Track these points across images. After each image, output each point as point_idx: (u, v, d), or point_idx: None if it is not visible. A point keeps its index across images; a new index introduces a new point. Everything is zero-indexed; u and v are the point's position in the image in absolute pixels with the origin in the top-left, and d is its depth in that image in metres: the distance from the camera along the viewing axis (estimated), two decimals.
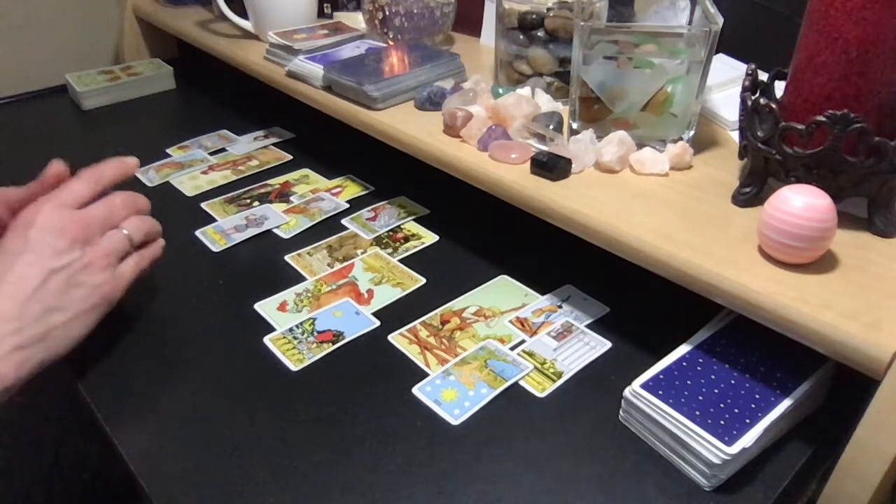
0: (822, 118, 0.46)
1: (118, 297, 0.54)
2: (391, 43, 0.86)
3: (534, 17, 0.70)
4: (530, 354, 0.56)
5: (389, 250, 0.70)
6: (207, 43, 0.98)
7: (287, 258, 0.69)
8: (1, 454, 0.64)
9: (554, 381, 0.54)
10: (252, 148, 0.92)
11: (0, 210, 0.57)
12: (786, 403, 0.46)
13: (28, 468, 0.66)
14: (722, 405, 0.46)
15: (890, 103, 0.47)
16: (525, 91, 0.69)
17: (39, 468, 0.66)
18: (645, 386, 0.48)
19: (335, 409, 0.52)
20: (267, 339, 0.58)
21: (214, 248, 0.71)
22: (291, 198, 0.80)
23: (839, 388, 0.50)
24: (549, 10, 0.70)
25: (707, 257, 0.47)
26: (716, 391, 0.47)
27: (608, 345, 0.57)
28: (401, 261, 0.68)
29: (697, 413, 0.45)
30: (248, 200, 0.79)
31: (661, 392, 0.47)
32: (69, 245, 0.50)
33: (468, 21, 0.94)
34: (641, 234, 0.50)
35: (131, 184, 0.73)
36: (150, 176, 0.85)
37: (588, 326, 0.59)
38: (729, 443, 0.43)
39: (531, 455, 0.48)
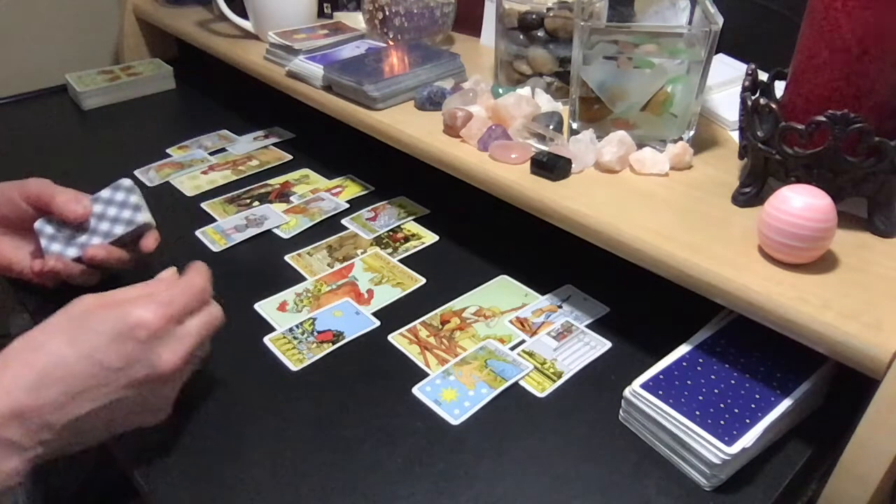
0: (822, 118, 0.46)
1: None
2: (391, 43, 0.86)
3: (534, 17, 0.70)
4: (530, 354, 0.56)
5: (389, 250, 0.70)
6: (207, 43, 0.98)
7: (287, 258, 0.69)
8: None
9: (554, 381, 0.54)
10: (252, 148, 0.92)
11: (19, 200, 0.58)
12: (786, 403, 0.46)
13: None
14: (722, 405, 0.46)
15: (890, 103, 0.47)
16: (525, 91, 0.68)
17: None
18: (645, 386, 0.48)
19: (335, 409, 0.51)
20: (267, 339, 0.58)
21: (214, 248, 0.71)
22: (291, 198, 0.80)
23: (839, 388, 0.50)
24: (549, 10, 0.70)
25: (707, 257, 0.47)
26: (716, 391, 0.47)
27: (608, 345, 0.57)
28: (401, 261, 0.68)
29: (697, 413, 0.45)
30: (248, 200, 0.79)
31: (661, 392, 0.47)
32: (160, 382, 0.44)
33: (468, 21, 0.94)
34: (641, 234, 0.50)
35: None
36: (150, 176, 0.85)
37: (588, 326, 0.59)
38: (729, 443, 0.43)
39: (531, 455, 0.48)
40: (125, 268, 0.61)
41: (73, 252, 0.59)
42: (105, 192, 0.61)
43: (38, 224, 0.59)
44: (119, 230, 0.60)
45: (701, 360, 0.50)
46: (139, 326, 0.43)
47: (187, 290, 0.47)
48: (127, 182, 0.61)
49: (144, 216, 0.61)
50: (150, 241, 0.61)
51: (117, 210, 0.61)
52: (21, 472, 0.40)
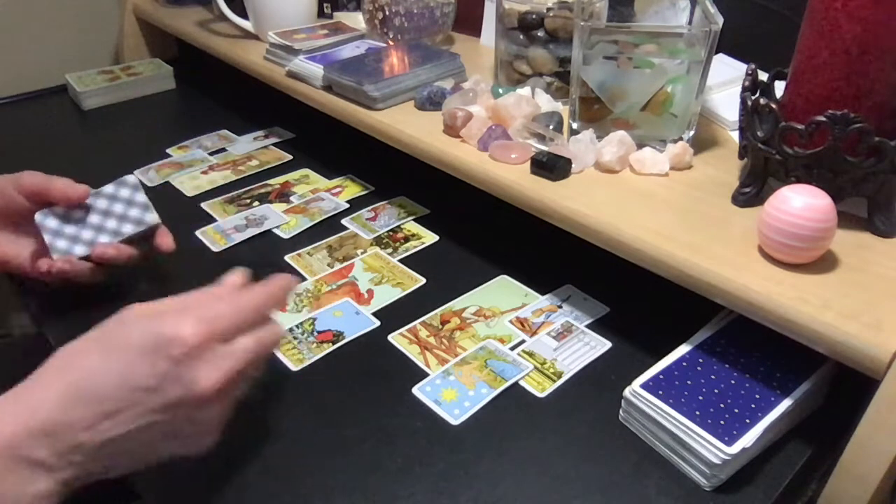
0: (822, 118, 0.46)
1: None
2: (391, 43, 0.86)
3: (534, 17, 0.70)
4: (530, 354, 0.56)
5: (389, 250, 0.70)
6: (207, 43, 0.98)
7: (287, 258, 0.69)
8: None
9: (554, 381, 0.54)
10: (252, 148, 0.92)
11: (14, 194, 0.57)
12: (786, 403, 0.46)
13: None
14: (722, 405, 0.46)
15: (890, 103, 0.47)
16: (525, 91, 0.68)
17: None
18: (645, 386, 0.48)
19: (335, 409, 0.51)
20: None
21: (214, 248, 0.71)
22: (291, 198, 0.80)
23: (839, 388, 0.50)
24: (549, 10, 0.70)
25: (707, 257, 0.47)
26: (716, 391, 0.47)
27: (608, 345, 0.57)
28: (401, 261, 0.68)
29: (697, 413, 0.45)
30: (248, 200, 0.79)
31: (661, 392, 0.47)
32: (198, 405, 0.39)
33: (468, 21, 0.94)
34: (641, 234, 0.50)
35: None
36: (151, 176, 0.85)
37: (588, 326, 0.59)
38: (729, 443, 0.43)
39: (531, 455, 0.48)
40: (131, 265, 0.61)
41: (80, 250, 0.59)
42: (109, 188, 0.60)
43: (38, 217, 0.58)
44: (129, 229, 0.60)
45: (701, 360, 0.50)
46: (174, 342, 0.38)
47: (242, 304, 0.42)
48: (132, 179, 0.61)
49: (153, 216, 0.61)
50: (168, 241, 0.62)
51: (124, 207, 0.60)
52: (51, 496, 0.37)
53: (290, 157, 0.90)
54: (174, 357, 0.38)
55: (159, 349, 0.38)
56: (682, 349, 0.51)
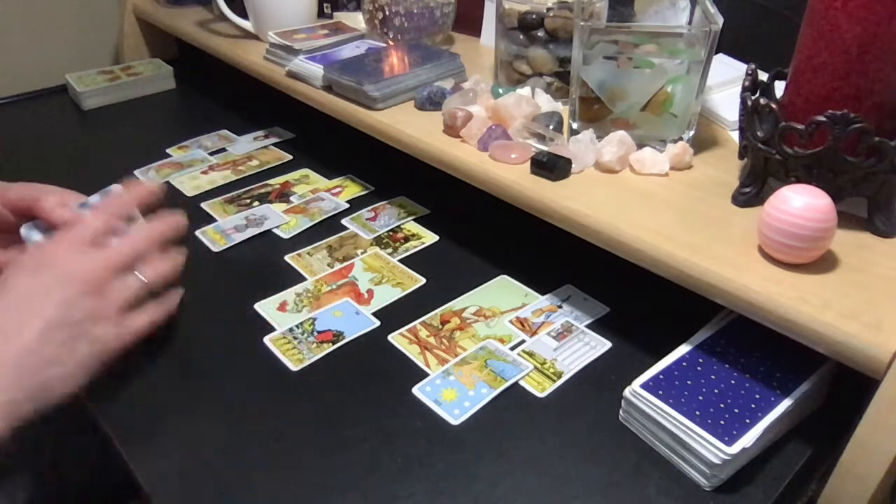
0: (822, 118, 0.46)
1: (121, 349, 0.51)
2: (391, 43, 0.86)
3: (534, 17, 0.70)
4: (530, 354, 0.56)
5: (389, 250, 0.70)
6: (207, 43, 0.98)
7: (287, 258, 0.69)
8: (1, 454, 0.64)
9: (554, 381, 0.54)
10: (252, 148, 0.92)
11: (1, 208, 0.57)
12: (786, 403, 0.46)
13: (28, 468, 0.65)
14: (722, 405, 0.46)
15: (890, 103, 0.47)
16: (525, 91, 0.68)
17: (39, 468, 0.66)
18: (645, 386, 0.48)
19: (335, 409, 0.51)
20: (267, 339, 0.58)
21: (214, 248, 0.71)
22: (291, 198, 0.80)
23: (839, 388, 0.50)
24: (549, 10, 0.70)
25: (707, 257, 0.47)
26: (716, 391, 0.47)
27: (608, 345, 0.57)
28: (401, 261, 0.68)
29: (697, 413, 0.45)
30: (248, 200, 0.79)
31: (661, 392, 0.47)
32: (80, 295, 0.47)
33: (468, 21, 0.94)
34: (641, 234, 0.50)
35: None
36: (150, 176, 0.85)
37: (588, 326, 0.59)
38: (729, 443, 0.43)
39: (531, 455, 0.48)
40: None
41: None
42: (94, 198, 0.58)
43: (23, 230, 0.56)
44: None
45: (701, 360, 0.50)
46: (36, 248, 0.49)
47: (109, 212, 0.52)
48: (117, 188, 0.59)
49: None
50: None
51: None
52: None
53: (290, 157, 0.90)
54: (33, 254, 0.47)
55: (25, 259, 0.48)
56: (682, 349, 0.51)
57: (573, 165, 0.59)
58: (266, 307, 0.62)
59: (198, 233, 0.73)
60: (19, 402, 0.44)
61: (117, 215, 0.52)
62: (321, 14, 1.00)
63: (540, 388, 0.53)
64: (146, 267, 0.52)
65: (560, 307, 0.62)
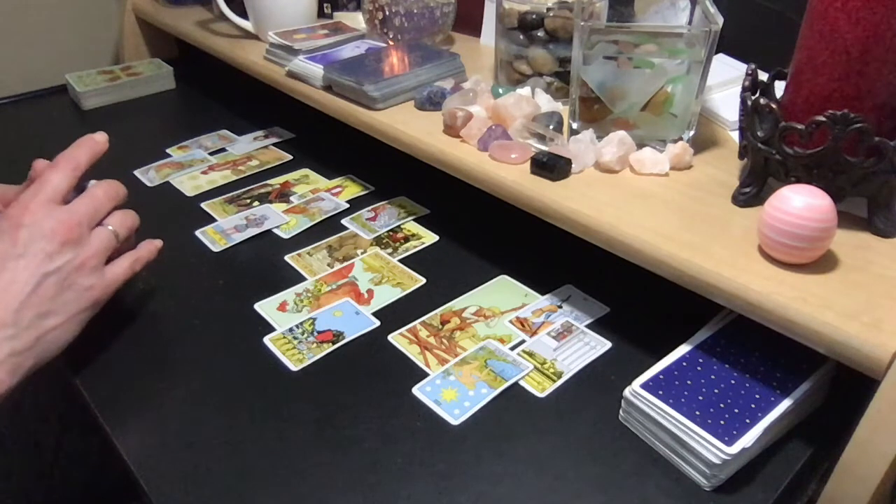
0: (822, 118, 0.46)
1: (108, 299, 0.54)
2: (391, 43, 0.86)
3: (534, 17, 0.70)
4: (530, 354, 0.56)
5: (389, 250, 0.70)
6: (207, 43, 0.98)
7: (287, 258, 0.69)
8: (1, 454, 0.64)
9: (554, 381, 0.54)
10: (252, 148, 0.92)
11: None
12: (786, 403, 0.46)
13: (28, 468, 0.66)
14: (722, 405, 0.46)
15: (890, 103, 0.47)
16: (525, 91, 0.69)
17: (39, 468, 0.66)
18: (645, 386, 0.48)
19: (335, 409, 0.51)
20: (267, 339, 0.58)
21: (214, 248, 0.71)
22: (291, 198, 0.80)
23: (839, 388, 0.50)
24: (549, 10, 0.70)
25: (707, 257, 0.47)
26: (716, 391, 0.47)
27: (608, 345, 0.57)
28: (401, 261, 0.68)
29: (697, 413, 0.45)
30: (248, 200, 0.79)
31: (661, 392, 0.47)
32: (60, 247, 0.50)
33: (468, 21, 0.94)
34: (641, 234, 0.50)
35: (132, 183, 0.74)
36: (150, 176, 0.85)
37: (588, 326, 0.59)
38: (729, 443, 0.43)
39: (531, 455, 0.48)
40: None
41: None
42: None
43: None
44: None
45: (701, 360, 0.50)
46: (3, 213, 0.50)
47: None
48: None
49: None
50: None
51: None
52: None
53: (290, 157, 0.90)
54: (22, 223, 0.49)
55: (9, 222, 0.49)
56: (682, 349, 0.51)
57: (573, 165, 0.59)
58: (266, 307, 0.62)
59: (198, 233, 0.73)
60: (22, 355, 0.47)
61: (77, 170, 0.55)
62: (321, 14, 1.00)
63: (540, 388, 0.53)
64: (111, 220, 0.55)
65: (560, 307, 0.62)
